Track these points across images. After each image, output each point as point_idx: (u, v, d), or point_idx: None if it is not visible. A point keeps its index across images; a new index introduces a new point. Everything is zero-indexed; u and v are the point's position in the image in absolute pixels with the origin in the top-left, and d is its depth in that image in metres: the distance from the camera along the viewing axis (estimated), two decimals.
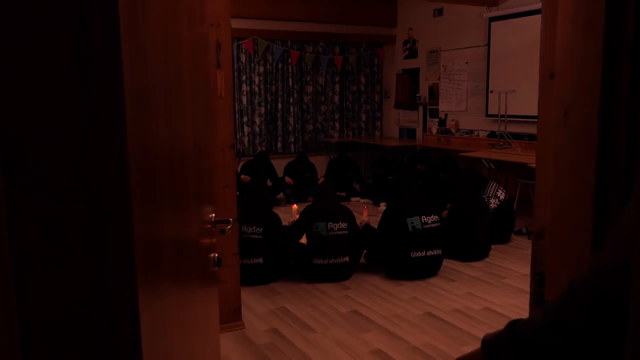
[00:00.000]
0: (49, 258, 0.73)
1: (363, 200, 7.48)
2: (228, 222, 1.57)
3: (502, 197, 5.48)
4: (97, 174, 0.75)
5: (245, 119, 8.47)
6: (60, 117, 0.73)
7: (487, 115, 7.63)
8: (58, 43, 0.72)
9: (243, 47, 8.31)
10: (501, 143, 7.09)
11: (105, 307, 0.76)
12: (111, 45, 0.73)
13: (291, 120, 8.80)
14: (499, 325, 3.50)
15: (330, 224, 4.36)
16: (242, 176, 7.15)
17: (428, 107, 8.79)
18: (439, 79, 8.48)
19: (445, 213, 5.09)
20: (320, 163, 8.58)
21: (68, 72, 0.73)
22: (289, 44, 8.67)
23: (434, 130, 8.64)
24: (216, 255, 1.55)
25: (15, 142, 0.71)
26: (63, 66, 0.72)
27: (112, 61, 0.74)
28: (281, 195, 7.58)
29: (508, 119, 7.08)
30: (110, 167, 0.75)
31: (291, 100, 8.77)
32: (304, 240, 4.57)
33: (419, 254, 4.36)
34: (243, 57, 8.35)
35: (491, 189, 5.52)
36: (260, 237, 4.30)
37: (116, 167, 0.75)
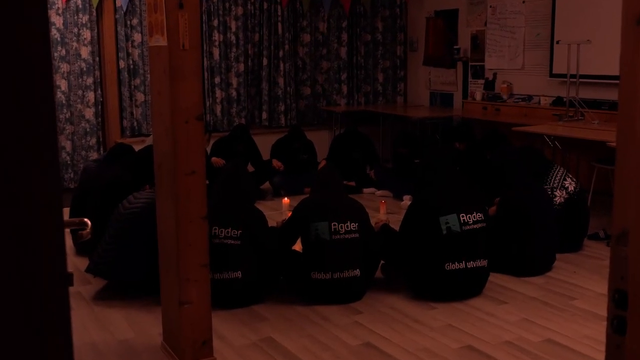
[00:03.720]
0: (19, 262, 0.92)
1: (380, 192, 7.50)
2: (84, 226, 1.63)
3: (571, 188, 5.48)
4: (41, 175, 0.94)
5: (217, 79, 8.46)
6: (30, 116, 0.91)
7: (552, 76, 7.61)
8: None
9: None
10: (571, 114, 7.08)
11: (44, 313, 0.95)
12: (46, 44, 0.93)
13: (281, 81, 8.79)
14: None
15: (334, 225, 4.37)
16: (214, 159, 7.15)
17: (470, 63, 8.77)
18: (486, 24, 8.45)
19: (492, 209, 5.09)
20: (320, 140, 8.58)
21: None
22: None
23: (478, 96, 8.62)
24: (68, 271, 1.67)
25: None
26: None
27: (47, 60, 0.93)
28: (267, 184, 7.59)
29: (580, 80, 7.07)
30: (52, 165, 0.94)
31: (281, 54, 8.75)
32: (298, 246, 4.58)
33: (456, 265, 4.38)
34: None
35: (557, 176, 5.52)
36: (239, 242, 4.31)
37: (55, 163, 0.94)
